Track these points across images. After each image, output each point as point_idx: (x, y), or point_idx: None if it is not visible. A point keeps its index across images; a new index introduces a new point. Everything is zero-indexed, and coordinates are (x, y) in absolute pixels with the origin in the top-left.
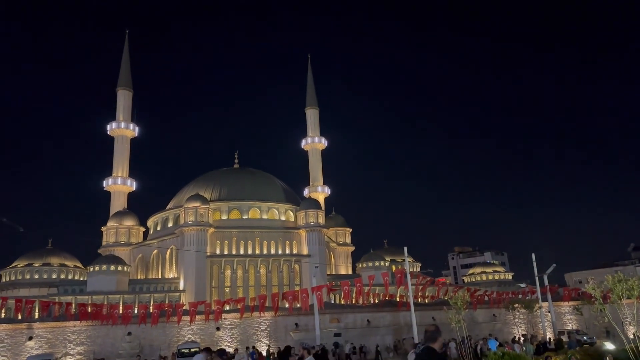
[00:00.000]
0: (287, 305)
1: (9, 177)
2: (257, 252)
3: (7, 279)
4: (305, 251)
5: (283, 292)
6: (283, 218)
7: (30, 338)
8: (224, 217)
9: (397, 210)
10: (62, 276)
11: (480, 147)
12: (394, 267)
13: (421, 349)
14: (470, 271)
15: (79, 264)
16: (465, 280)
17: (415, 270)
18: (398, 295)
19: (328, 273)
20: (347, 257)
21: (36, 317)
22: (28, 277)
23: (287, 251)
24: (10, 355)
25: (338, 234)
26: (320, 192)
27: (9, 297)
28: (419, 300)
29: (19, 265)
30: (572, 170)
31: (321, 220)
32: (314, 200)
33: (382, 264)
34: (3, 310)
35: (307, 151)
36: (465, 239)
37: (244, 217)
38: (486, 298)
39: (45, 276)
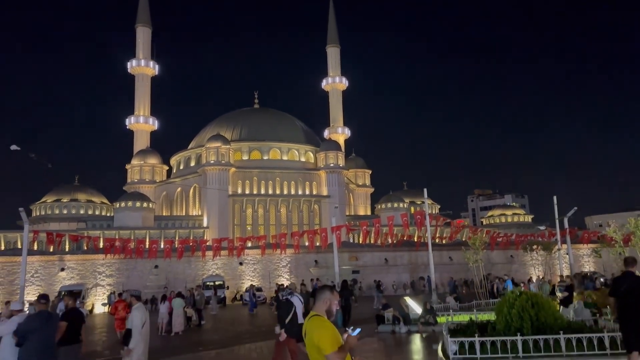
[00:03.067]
0: (307, 244)
1: (36, 115)
2: (278, 192)
3: (38, 213)
4: (324, 192)
5: (303, 230)
6: (303, 159)
7: (62, 269)
8: (245, 157)
9: (418, 152)
10: (90, 212)
11: (503, 87)
12: (412, 209)
13: (624, 273)
14: (490, 213)
15: (106, 201)
16: (484, 222)
17: (434, 212)
18: (416, 236)
19: (347, 214)
20: (366, 198)
21: (67, 250)
22: (57, 212)
23: (307, 192)
24: (45, 285)
25: (358, 176)
26: (340, 133)
27: (40, 230)
28: (437, 241)
29: (48, 201)
30: (599, 114)
31: (341, 161)
32: (334, 142)
33: (401, 205)
34: (35, 243)
35: (327, 92)
36: (486, 181)
37: (265, 158)
38: (504, 239)
39: (73, 211)
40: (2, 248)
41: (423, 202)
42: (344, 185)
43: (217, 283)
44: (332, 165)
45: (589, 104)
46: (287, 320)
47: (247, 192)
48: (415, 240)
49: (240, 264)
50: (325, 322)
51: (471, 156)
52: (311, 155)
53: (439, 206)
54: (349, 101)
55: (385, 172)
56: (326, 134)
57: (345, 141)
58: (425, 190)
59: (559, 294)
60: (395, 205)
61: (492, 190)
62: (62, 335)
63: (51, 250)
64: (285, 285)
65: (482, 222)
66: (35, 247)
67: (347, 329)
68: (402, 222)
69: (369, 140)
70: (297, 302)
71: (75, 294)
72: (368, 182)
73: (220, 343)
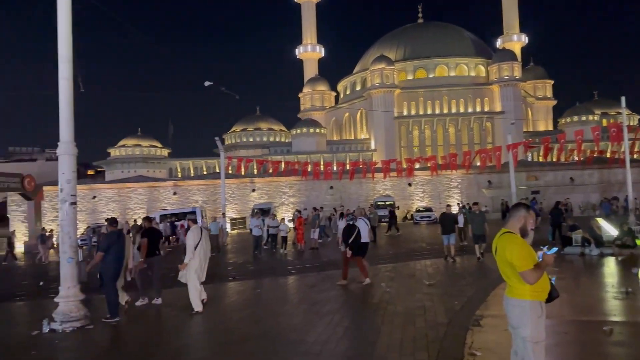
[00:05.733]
0: (478, 164)
1: (216, 51)
2: (445, 111)
3: (229, 142)
4: (498, 108)
5: (476, 150)
6: (473, 74)
7: (253, 190)
8: (410, 77)
9: (611, 55)
10: (271, 139)
11: None
12: (605, 122)
13: None
14: None
15: (284, 128)
16: None
17: (632, 123)
18: (609, 151)
19: (525, 130)
20: (547, 112)
21: (255, 173)
22: (244, 140)
23: (478, 109)
24: (240, 204)
25: (537, 88)
26: (515, 41)
27: (233, 156)
28: (635, 156)
29: (236, 130)
30: None
31: (517, 73)
32: (508, 51)
33: (591, 118)
34: (230, 168)
35: None
36: None
37: (430, 76)
38: None
39: (257, 139)
40: (204, 172)
41: (619, 113)
42: (521, 99)
43: (387, 203)
44: (506, 77)
45: None
46: (350, 241)
47: (412, 113)
48: (608, 157)
49: (409, 184)
50: (517, 238)
51: None
52: (482, 68)
53: (638, 117)
54: (525, 3)
55: (570, 82)
56: (499, 43)
57: (522, 49)
58: (622, 99)
59: None
60: (584, 118)
61: None
62: (145, 250)
63: (242, 173)
64: (352, 211)
65: None
66: (230, 171)
67: (542, 247)
68: (593, 137)
69: (550, 45)
70: (362, 225)
71: (168, 217)
72: (549, 94)
73: (396, 258)
